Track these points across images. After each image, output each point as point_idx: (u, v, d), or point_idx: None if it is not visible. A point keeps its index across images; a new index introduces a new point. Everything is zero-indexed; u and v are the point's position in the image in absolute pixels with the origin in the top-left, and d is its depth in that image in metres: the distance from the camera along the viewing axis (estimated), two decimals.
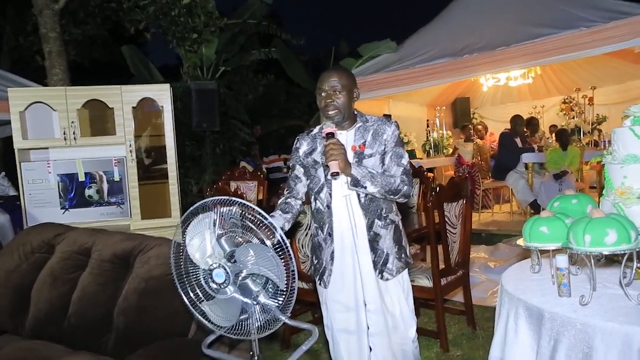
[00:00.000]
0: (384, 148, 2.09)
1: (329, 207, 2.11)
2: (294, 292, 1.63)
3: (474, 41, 6.15)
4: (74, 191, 4.31)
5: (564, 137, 6.47)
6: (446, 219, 3.05)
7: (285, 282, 1.62)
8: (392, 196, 2.06)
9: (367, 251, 2.11)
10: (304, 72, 9.43)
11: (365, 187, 1.98)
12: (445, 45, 6.47)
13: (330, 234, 2.13)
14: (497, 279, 4.29)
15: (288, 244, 1.61)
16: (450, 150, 8.12)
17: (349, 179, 1.98)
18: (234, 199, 1.65)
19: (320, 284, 2.21)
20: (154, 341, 2.00)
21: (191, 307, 1.70)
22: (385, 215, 2.13)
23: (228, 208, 1.69)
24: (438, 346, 3.10)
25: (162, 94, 4.41)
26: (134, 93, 4.36)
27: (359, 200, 2.09)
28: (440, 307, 3.03)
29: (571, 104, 8.47)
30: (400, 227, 2.22)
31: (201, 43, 7.99)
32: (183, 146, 7.05)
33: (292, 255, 1.60)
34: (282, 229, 1.91)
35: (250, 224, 1.66)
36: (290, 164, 2.26)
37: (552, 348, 1.55)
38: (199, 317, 1.69)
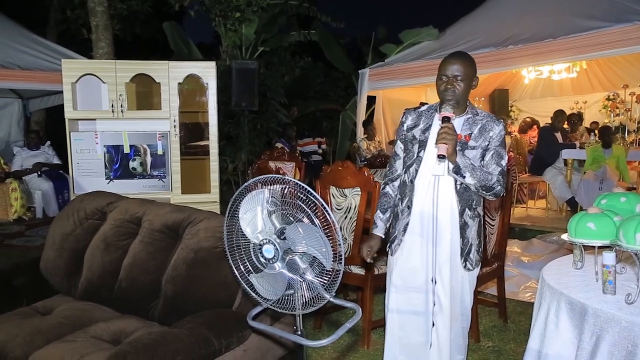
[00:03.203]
0: (488, 144, 2.13)
1: (412, 182, 2.18)
2: (339, 273, 1.68)
3: (520, 32, 6.02)
4: (118, 162, 4.46)
5: (607, 135, 6.29)
6: (485, 211, 3.04)
7: (332, 262, 1.67)
8: (484, 191, 2.11)
9: (457, 237, 2.15)
10: (343, 56, 9.39)
11: (464, 177, 2.05)
12: (489, 34, 6.36)
13: (409, 207, 2.19)
14: (529, 274, 4.29)
15: (337, 226, 1.65)
16: None
17: (450, 165, 2.04)
18: (287, 178, 1.71)
19: (389, 250, 2.29)
20: (199, 310, 2.09)
21: (240, 279, 1.77)
22: (475, 206, 2.18)
23: (280, 186, 1.74)
24: (469, 336, 3.12)
25: (207, 71, 4.50)
26: (181, 69, 4.45)
27: (456, 187, 2.13)
28: (474, 298, 3.04)
29: (616, 101, 8.22)
30: (483, 223, 2.28)
31: (243, 21, 8.06)
32: (221, 124, 7.16)
33: (340, 238, 1.65)
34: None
35: (301, 204, 1.71)
36: (396, 139, 2.33)
37: (594, 344, 1.56)
38: (247, 288, 1.76)
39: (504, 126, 2.17)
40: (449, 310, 2.18)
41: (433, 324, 2.20)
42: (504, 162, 2.14)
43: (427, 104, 2.38)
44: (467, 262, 2.17)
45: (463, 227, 2.15)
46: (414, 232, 2.19)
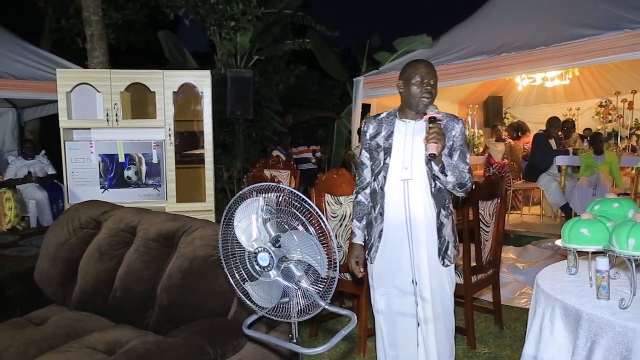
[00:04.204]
0: (452, 144, 2.20)
1: (382, 189, 2.23)
2: (334, 280, 1.68)
3: (513, 39, 6.06)
4: (113, 171, 4.46)
5: (597, 141, 6.34)
6: (480, 217, 3.06)
7: (327, 270, 1.67)
8: (459, 188, 2.19)
9: (434, 238, 2.21)
10: (337, 64, 9.42)
11: (447, 175, 2.12)
12: (482, 42, 6.39)
13: (381, 214, 2.24)
14: (524, 280, 4.30)
15: (332, 234, 1.66)
16: (481, 149, 8.05)
17: (434, 165, 2.09)
18: (282, 186, 1.71)
19: (368, 258, 2.33)
20: (194, 319, 2.08)
21: (235, 287, 1.77)
22: (447, 205, 2.25)
23: (275, 194, 1.75)
24: (465, 343, 3.12)
25: (202, 80, 4.51)
26: (175, 78, 4.46)
27: (431, 190, 2.19)
28: (470, 304, 3.05)
29: (608, 108, 8.28)
30: (454, 218, 2.35)
31: (237, 30, 8.10)
32: (215, 133, 7.16)
33: (335, 245, 1.65)
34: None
35: (296, 212, 1.72)
36: (361, 148, 2.37)
37: (588, 349, 1.57)
38: (242, 296, 1.75)
39: (463, 123, 2.25)
40: (432, 310, 2.23)
41: (418, 324, 2.26)
42: (469, 159, 2.25)
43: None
44: (445, 259, 2.23)
45: (440, 227, 2.21)
46: (388, 238, 2.25)
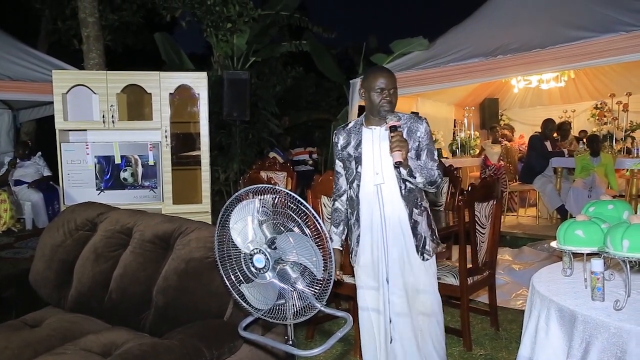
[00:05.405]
0: (418, 144, 2.29)
1: (357, 196, 2.34)
2: (330, 282, 1.68)
3: (508, 42, 6.07)
4: (109, 173, 4.45)
5: (595, 143, 6.36)
6: (476, 219, 3.07)
7: (323, 271, 1.68)
8: (429, 186, 2.27)
9: (409, 237, 2.30)
10: (334, 66, 9.43)
11: (415, 177, 2.21)
12: (478, 44, 6.41)
13: (357, 220, 2.37)
14: (520, 282, 4.31)
15: (328, 236, 1.66)
16: (477, 151, 8.07)
17: (403, 170, 2.18)
18: (278, 187, 1.71)
19: (352, 261, 2.45)
20: (190, 321, 2.08)
21: (231, 289, 1.76)
22: (419, 203, 2.35)
23: (271, 196, 1.75)
24: (461, 345, 3.12)
25: (199, 81, 4.51)
26: (172, 80, 4.46)
27: (401, 193, 2.28)
28: (466, 306, 3.06)
29: (604, 110, 8.32)
30: (429, 212, 2.43)
31: (234, 32, 8.09)
32: (212, 134, 7.15)
33: (331, 247, 1.65)
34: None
35: (292, 214, 1.72)
36: (335, 158, 2.48)
37: (583, 350, 1.57)
38: (238, 298, 1.75)
39: (427, 123, 2.32)
40: (404, 306, 2.31)
41: (390, 320, 2.34)
42: (436, 156, 2.35)
43: (417, 113, 2.45)
44: (425, 254, 2.33)
45: (414, 226, 2.31)
46: (365, 242, 2.35)
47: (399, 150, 2.10)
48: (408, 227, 2.29)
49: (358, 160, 2.31)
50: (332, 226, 2.46)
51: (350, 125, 2.41)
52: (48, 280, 2.52)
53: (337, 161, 2.44)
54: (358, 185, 2.32)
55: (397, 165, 2.14)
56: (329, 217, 3.22)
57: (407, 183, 2.27)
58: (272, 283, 1.71)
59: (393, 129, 2.15)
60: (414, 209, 2.30)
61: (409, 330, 2.33)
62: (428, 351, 2.38)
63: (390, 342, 2.35)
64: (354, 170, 2.33)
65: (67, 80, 4.40)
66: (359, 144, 2.32)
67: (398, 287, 2.31)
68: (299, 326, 3.42)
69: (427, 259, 2.34)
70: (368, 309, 2.41)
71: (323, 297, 1.69)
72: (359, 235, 2.37)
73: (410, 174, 2.19)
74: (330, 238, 2.43)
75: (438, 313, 2.41)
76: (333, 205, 2.47)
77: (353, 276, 3.02)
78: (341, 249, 2.48)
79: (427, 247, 2.33)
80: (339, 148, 2.39)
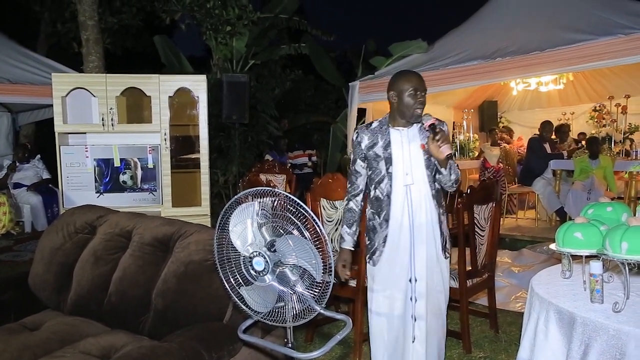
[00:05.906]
0: None
1: (388, 196, 2.33)
2: (329, 285, 1.68)
3: (507, 44, 6.09)
4: (109, 176, 4.45)
5: (594, 145, 6.37)
6: (475, 221, 3.07)
7: (322, 274, 1.68)
8: (455, 184, 2.36)
9: (438, 235, 2.35)
10: (333, 69, 9.44)
11: (452, 175, 2.30)
12: (477, 47, 6.42)
13: (386, 220, 2.34)
14: (520, 284, 4.31)
15: (328, 239, 1.66)
16: (476, 154, 8.08)
17: (444, 169, 2.27)
18: (277, 190, 1.71)
19: (369, 262, 2.42)
20: (190, 324, 2.07)
21: (230, 292, 1.76)
22: (442, 203, 2.42)
23: (270, 199, 1.75)
24: (460, 347, 3.12)
25: (198, 84, 4.52)
26: (171, 82, 4.47)
27: (432, 193, 2.34)
28: (465, 308, 3.06)
29: (602, 112, 8.33)
30: None
31: (233, 35, 8.10)
32: (211, 137, 7.15)
33: (330, 250, 1.66)
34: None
35: (291, 216, 1.72)
36: (351, 158, 2.47)
37: (583, 352, 1.57)
38: (238, 301, 1.75)
39: (446, 125, 2.37)
40: (426, 306, 2.32)
41: (415, 319, 2.34)
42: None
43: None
44: (446, 252, 2.40)
45: (440, 225, 2.36)
46: (393, 242, 2.34)
47: (447, 144, 2.19)
48: (438, 227, 2.34)
49: (388, 161, 2.31)
50: (345, 226, 2.44)
51: (374, 125, 2.39)
52: (47, 283, 2.51)
53: (358, 160, 2.40)
54: (390, 185, 2.32)
55: (449, 157, 2.23)
56: (329, 219, 3.22)
57: (436, 184, 2.34)
58: (272, 286, 1.71)
59: (432, 126, 2.21)
60: (440, 209, 2.37)
61: (433, 329, 2.37)
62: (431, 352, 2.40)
63: (413, 342, 2.35)
64: (382, 171, 2.33)
65: (66, 83, 4.40)
66: (387, 145, 2.32)
67: (422, 287, 2.32)
68: (299, 329, 3.42)
69: (447, 257, 2.42)
70: (382, 313, 2.39)
71: (322, 299, 1.69)
72: (386, 236, 2.34)
73: (450, 168, 2.27)
74: (342, 238, 2.44)
75: (445, 313, 2.45)
76: (347, 205, 2.44)
77: (354, 279, 3.03)
78: (352, 249, 2.45)
79: (447, 244, 2.41)
80: (363, 148, 2.36)
